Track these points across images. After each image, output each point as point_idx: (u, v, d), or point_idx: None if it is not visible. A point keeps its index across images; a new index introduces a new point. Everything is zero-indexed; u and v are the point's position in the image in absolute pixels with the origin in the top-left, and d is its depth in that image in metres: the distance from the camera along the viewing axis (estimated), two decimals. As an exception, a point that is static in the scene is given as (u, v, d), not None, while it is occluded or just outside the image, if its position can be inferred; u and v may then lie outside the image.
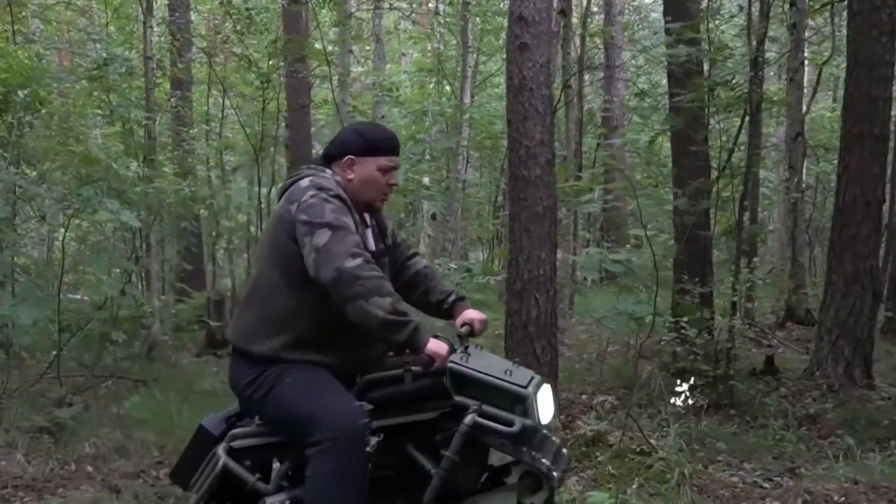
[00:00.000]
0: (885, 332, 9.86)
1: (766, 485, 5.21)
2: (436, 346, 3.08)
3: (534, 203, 6.13)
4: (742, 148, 8.11)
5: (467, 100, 16.48)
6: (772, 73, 14.89)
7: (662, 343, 8.26)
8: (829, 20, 10.18)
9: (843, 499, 4.57)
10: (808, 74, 11.33)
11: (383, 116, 16.44)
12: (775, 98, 10.99)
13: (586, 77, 14.20)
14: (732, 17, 10.41)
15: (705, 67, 8.07)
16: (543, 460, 3.11)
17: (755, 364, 8.48)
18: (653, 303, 6.77)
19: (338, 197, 3.13)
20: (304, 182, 3.20)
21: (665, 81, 10.68)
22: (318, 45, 12.04)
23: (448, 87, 18.81)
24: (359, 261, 2.95)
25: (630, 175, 11.33)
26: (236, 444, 3.28)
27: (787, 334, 10.80)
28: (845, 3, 8.16)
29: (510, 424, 3.05)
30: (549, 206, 6.20)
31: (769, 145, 15.73)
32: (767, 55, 10.37)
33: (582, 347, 9.74)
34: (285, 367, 3.14)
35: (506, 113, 6.56)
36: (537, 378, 3.23)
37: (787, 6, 10.46)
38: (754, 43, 7.52)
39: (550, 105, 6.43)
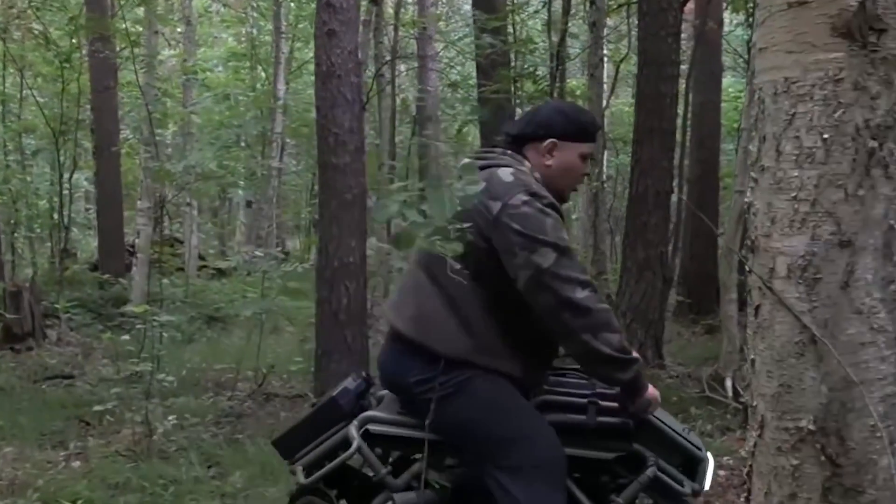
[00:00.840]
0: (676, 314, 10.53)
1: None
2: (654, 391, 2.85)
3: (343, 190, 6.16)
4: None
5: (282, 86, 16.28)
6: (576, 69, 15.51)
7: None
8: (625, 19, 10.73)
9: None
10: (608, 70, 11.85)
11: (195, 102, 16.01)
12: (577, 92, 11.47)
13: (400, 67, 14.32)
14: (536, 12, 10.77)
15: (512, 60, 8.35)
16: None
17: (558, 347, 8.85)
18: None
19: (552, 206, 2.80)
20: (507, 176, 2.83)
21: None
22: (123, 25, 11.54)
23: (263, 73, 18.52)
24: (588, 291, 2.69)
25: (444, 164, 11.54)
26: (373, 428, 2.97)
27: (590, 318, 11.31)
28: (639, 3, 8.59)
29: (681, 484, 2.95)
30: (358, 194, 6.24)
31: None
32: (570, 51, 10.80)
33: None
34: (473, 373, 2.82)
35: (314, 100, 6.55)
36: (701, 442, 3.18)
37: (587, 4, 10.97)
38: (555, 38, 7.83)
39: (360, 93, 6.46)
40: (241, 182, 17.24)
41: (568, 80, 13.02)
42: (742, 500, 2.12)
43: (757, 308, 1.94)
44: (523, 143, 2.96)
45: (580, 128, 2.96)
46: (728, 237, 6.82)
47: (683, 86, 8.79)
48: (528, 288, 2.70)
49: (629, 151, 13.16)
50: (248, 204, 20.65)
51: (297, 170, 20.48)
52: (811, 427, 1.84)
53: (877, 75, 1.74)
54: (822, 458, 1.84)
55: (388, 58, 11.05)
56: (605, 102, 11.36)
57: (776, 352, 1.90)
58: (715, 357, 7.46)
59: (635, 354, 2.79)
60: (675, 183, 8.39)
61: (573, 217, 16.46)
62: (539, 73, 8.01)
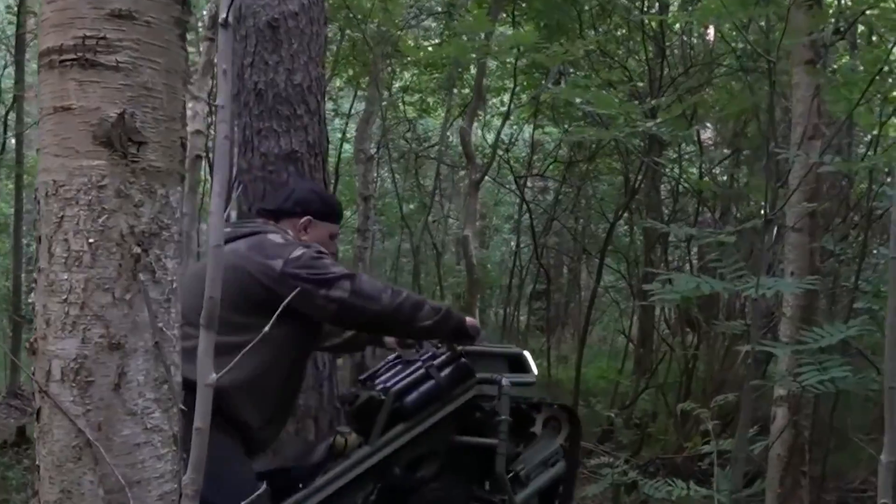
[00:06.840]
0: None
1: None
2: (470, 319, 3.26)
3: None
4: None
5: None
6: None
7: None
8: None
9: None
10: None
11: None
12: None
13: None
14: None
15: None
16: (557, 403, 3.54)
17: (8, 437, 8.25)
18: None
19: (320, 251, 3.07)
20: (278, 238, 3.08)
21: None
22: None
23: None
24: (389, 294, 3.05)
25: None
26: None
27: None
28: None
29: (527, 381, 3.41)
30: None
31: None
32: None
33: None
34: None
35: None
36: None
37: None
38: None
39: None
40: None
41: None
42: None
43: (38, 412, 1.89)
44: (279, 218, 3.20)
45: (333, 209, 3.32)
46: None
47: None
48: (341, 318, 3.01)
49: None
50: None
51: None
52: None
53: (139, 184, 1.81)
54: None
55: None
56: None
57: (56, 457, 1.86)
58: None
59: (441, 304, 3.14)
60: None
61: None
62: None
